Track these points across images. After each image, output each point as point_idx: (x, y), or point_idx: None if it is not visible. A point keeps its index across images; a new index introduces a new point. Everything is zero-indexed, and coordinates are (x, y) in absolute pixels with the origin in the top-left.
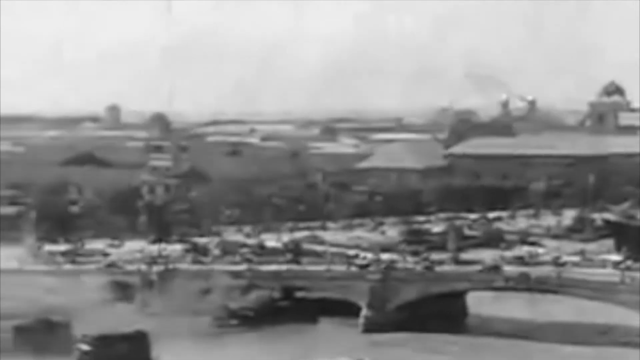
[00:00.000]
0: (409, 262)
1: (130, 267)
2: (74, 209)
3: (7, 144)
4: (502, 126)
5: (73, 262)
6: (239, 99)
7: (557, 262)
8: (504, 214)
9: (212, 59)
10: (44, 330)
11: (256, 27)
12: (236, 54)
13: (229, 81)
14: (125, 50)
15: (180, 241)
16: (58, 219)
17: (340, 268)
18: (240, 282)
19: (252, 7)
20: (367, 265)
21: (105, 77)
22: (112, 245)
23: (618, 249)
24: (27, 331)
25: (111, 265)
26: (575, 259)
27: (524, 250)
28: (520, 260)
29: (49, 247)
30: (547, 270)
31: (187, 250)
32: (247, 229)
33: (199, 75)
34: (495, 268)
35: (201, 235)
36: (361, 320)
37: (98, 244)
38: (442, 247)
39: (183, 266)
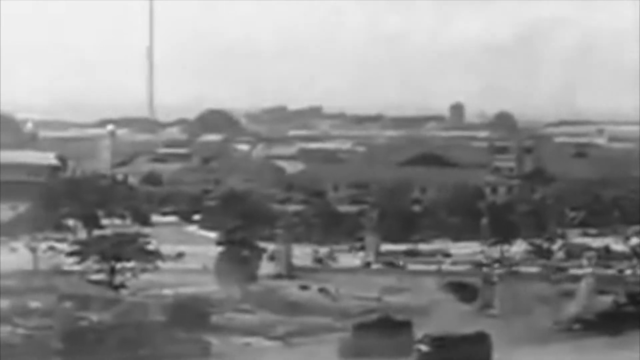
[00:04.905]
0: None
1: (471, 268)
2: (416, 208)
3: (349, 144)
4: None
5: (413, 261)
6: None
7: None
8: None
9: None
10: (385, 329)
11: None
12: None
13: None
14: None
15: (523, 243)
16: (400, 219)
17: None
18: (584, 286)
19: None
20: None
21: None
22: (452, 246)
23: None
24: (367, 329)
25: (451, 265)
26: None
27: None
28: None
29: (390, 247)
30: None
31: (530, 253)
32: (593, 231)
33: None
34: None
35: (545, 238)
36: None
37: (439, 244)
38: None
39: (526, 269)
